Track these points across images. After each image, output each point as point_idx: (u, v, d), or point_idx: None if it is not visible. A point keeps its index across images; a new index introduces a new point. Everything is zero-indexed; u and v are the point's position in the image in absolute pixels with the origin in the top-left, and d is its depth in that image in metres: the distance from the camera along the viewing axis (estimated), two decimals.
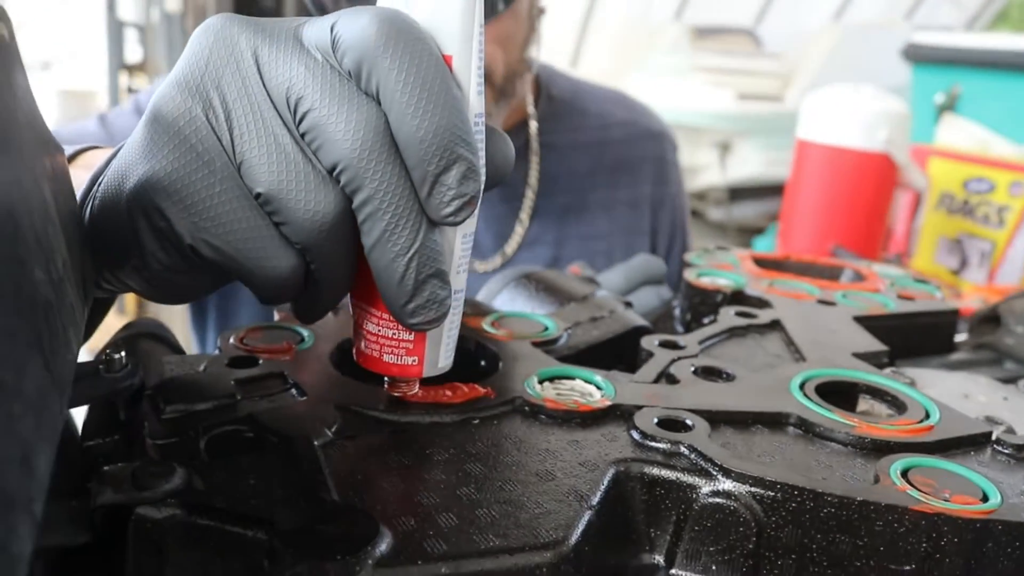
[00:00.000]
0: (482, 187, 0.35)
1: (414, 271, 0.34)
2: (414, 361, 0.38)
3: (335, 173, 0.33)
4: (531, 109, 1.08)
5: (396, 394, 0.40)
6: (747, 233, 5.63)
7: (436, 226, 0.34)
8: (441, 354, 0.39)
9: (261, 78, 0.34)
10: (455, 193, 0.33)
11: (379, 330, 0.38)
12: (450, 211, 0.34)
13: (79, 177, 0.40)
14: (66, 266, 0.34)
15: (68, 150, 0.54)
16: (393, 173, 0.33)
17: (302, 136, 0.34)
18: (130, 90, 2.93)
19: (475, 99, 0.35)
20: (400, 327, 0.37)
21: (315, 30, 0.34)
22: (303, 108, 0.33)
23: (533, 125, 1.07)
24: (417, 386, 0.40)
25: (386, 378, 0.40)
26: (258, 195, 0.34)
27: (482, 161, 0.36)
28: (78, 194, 0.39)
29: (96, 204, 0.38)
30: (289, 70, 0.34)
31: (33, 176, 0.31)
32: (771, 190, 5.62)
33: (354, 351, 0.40)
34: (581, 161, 1.09)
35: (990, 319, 0.67)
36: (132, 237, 0.35)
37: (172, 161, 0.34)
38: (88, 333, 0.56)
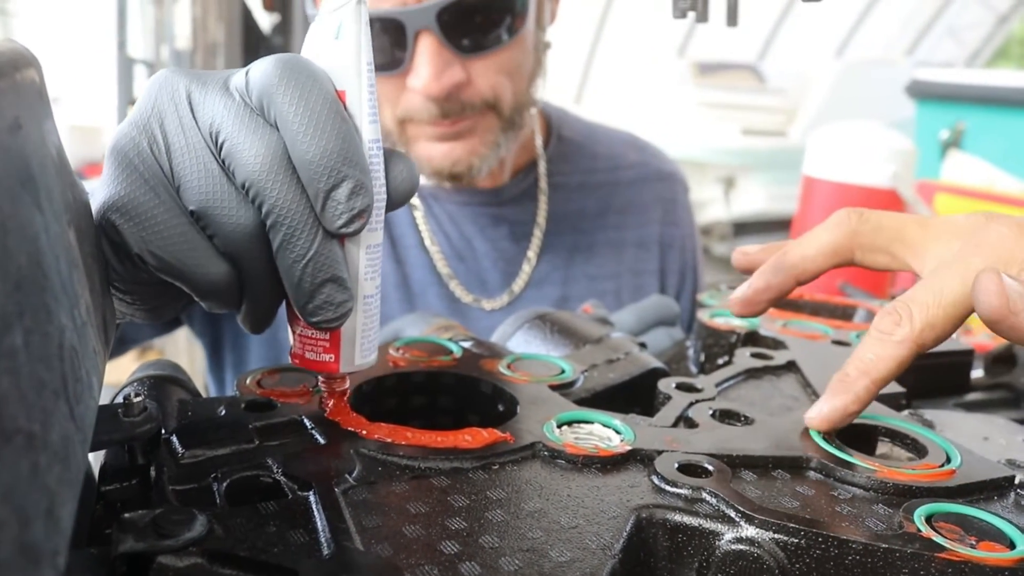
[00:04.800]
0: (377, 203, 0.41)
1: (310, 275, 0.39)
2: (331, 358, 0.43)
3: (246, 189, 0.39)
4: (540, 149, 1.08)
5: (328, 391, 0.44)
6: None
7: (334, 237, 0.39)
8: (357, 353, 0.43)
9: (193, 116, 0.40)
10: (344, 207, 0.38)
11: (302, 331, 0.43)
12: (342, 223, 0.38)
13: None
14: (88, 310, 0.34)
15: None
16: (290, 189, 0.38)
17: (223, 161, 0.39)
18: None
19: (368, 128, 0.40)
20: (315, 327, 0.41)
21: (237, 76, 0.41)
22: (221, 138, 0.39)
23: (542, 165, 1.08)
24: (347, 383, 0.45)
25: (319, 377, 0.44)
26: (192, 212, 0.39)
27: (380, 181, 0.41)
28: None
29: None
30: (213, 108, 0.39)
31: (60, 222, 0.31)
32: (775, 225, 5.64)
33: (290, 352, 0.45)
34: (590, 201, 1.10)
35: (1005, 358, 0.67)
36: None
37: (124, 185, 0.39)
38: None
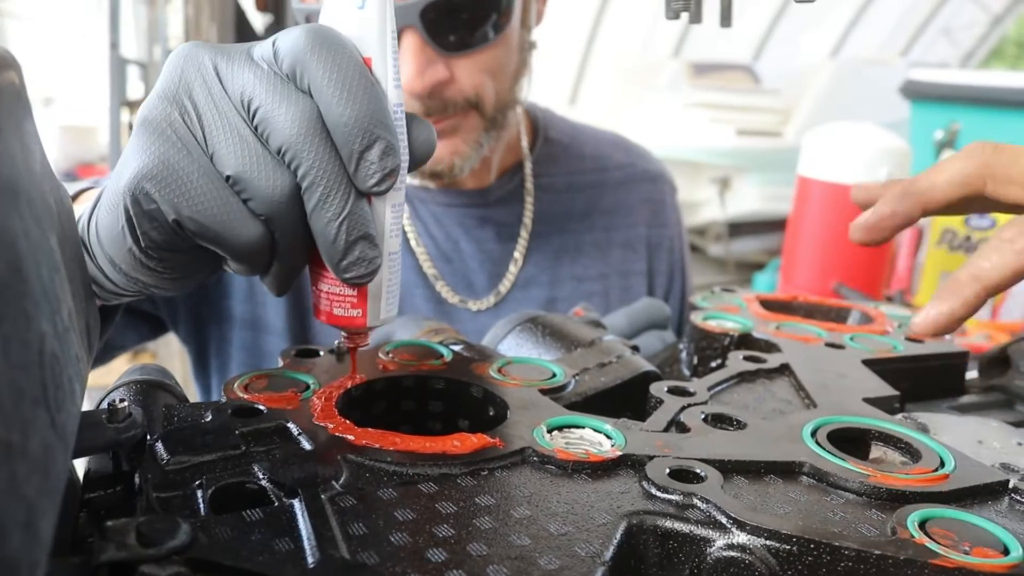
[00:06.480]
0: (402, 163, 0.43)
1: (344, 233, 0.41)
2: (358, 313, 0.45)
3: (281, 154, 0.40)
4: (526, 150, 1.08)
5: (351, 345, 0.47)
6: (746, 268, 5.63)
7: (364, 197, 0.42)
8: (382, 307, 0.46)
9: (222, 86, 0.42)
10: (377, 167, 0.40)
11: (328, 288, 0.45)
12: (374, 182, 0.41)
13: (78, 212, 0.46)
14: (71, 315, 0.34)
15: (71, 189, 0.63)
16: (325, 152, 0.40)
17: (255, 128, 0.41)
18: (131, 127, 2.94)
19: (393, 92, 0.43)
20: (344, 284, 0.44)
21: (261, 47, 0.43)
22: (254, 105, 0.41)
23: (528, 166, 1.08)
24: (369, 338, 0.48)
25: (342, 332, 0.47)
26: (228, 177, 0.41)
27: (404, 143, 0.43)
28: (85, 215, 0.46)
29: (100, 206, 0.44)
30: (242, 77, 0.41)
31: (41, 226, 0.31)
32: (770, 225, 5.64)
33: (312, 309, 0.47)
34: (577, 203, 1.10)
35: (999, 360, 0.67)
36: (128, 222, 0.42)
37: (158, 155, 0.41)
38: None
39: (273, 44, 0.42)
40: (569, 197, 1.10)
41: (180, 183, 0.40)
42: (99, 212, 0.44)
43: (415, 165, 0.45)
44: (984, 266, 0.41)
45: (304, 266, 0.46)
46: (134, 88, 2.90)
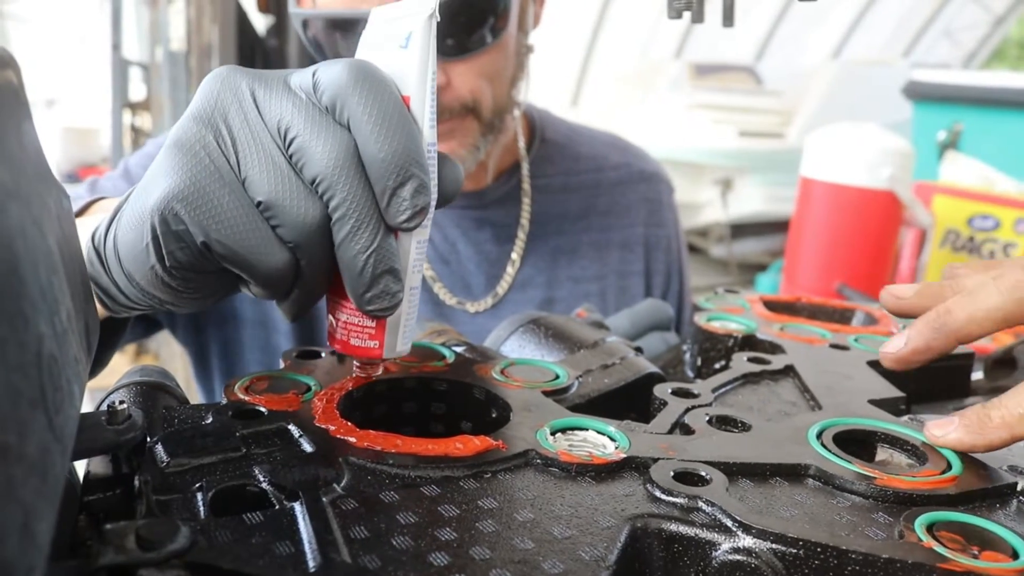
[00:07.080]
0: (433, 201, 0.43)
1: (371, 266, 0.41)
2: (375, 345, 0.45)
3: (315, 184, 0.41)
4: (523, 151, 1.08)
5: (363, 375, 0.48)
6: (749, 270, 5.63)
7: (392, 231, 0.42)
8: (399, 340, 0.46)
9: (259, 112, 0.42)
10: (409, 204, 0.41)
11: (347, 318, 0.46)
12: (404, 218, 0.41)
13: (92, 224, 0.47)
14: (70, 317, 0.34)
15: (80, 202, 0.65)
16: (359, 185, 0.41)
17: (290, 157, 0.41)
18: (133, 128, 2.95)
19: (428, 131, 0.43)
20: (364, 315, 0.44)
21: (300, 76, 0.43)
22: (291, 135, 0.41)
23: (525, 167, 1.08)
24: (381, 369, 0.48)
25: (355, 362, 0.47)
26: (259, 203, 0.41)
27: (434, 180, 0.44)
28: (101, 227, 0.46)
29: (122, 220, 0.44)
30: (280, 105, 0.42)
31: (39, 227, 0.30)
32: (773, 226, 5.64)
33: (328, 338, 0.47)
34: (573, 203, 1.10)
35: (1005, 362, 0.66)
36: (154, 241, 0.42)
37: (189, 176, 0.41)
38: (103, 362, 0.58)
39: (313, 75, 0.42)
40: (566, 198, 1.09)
41: (211, 206, 0.40)
42: (120, 227, 0.44)
43: (442, 202, 0.46)
44: (1018, 414, 0.42)
45: (324, 295, 0.46)
46: (136, 90, 2.90)
